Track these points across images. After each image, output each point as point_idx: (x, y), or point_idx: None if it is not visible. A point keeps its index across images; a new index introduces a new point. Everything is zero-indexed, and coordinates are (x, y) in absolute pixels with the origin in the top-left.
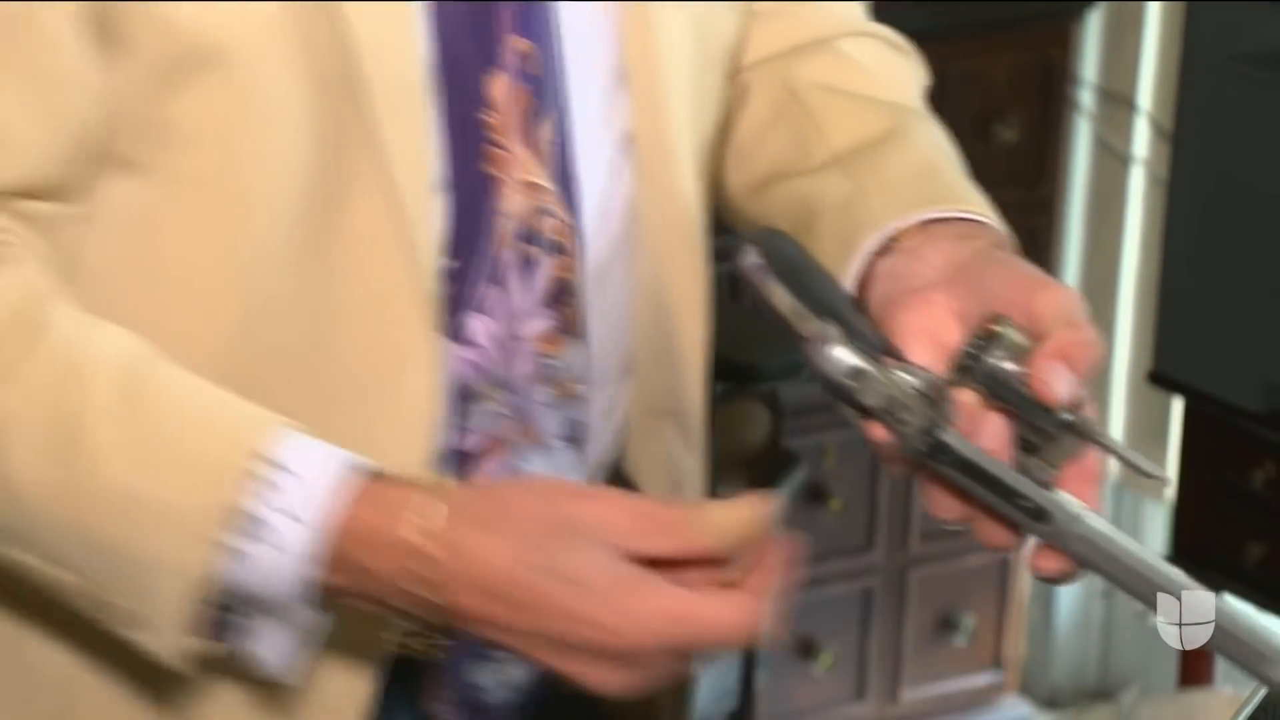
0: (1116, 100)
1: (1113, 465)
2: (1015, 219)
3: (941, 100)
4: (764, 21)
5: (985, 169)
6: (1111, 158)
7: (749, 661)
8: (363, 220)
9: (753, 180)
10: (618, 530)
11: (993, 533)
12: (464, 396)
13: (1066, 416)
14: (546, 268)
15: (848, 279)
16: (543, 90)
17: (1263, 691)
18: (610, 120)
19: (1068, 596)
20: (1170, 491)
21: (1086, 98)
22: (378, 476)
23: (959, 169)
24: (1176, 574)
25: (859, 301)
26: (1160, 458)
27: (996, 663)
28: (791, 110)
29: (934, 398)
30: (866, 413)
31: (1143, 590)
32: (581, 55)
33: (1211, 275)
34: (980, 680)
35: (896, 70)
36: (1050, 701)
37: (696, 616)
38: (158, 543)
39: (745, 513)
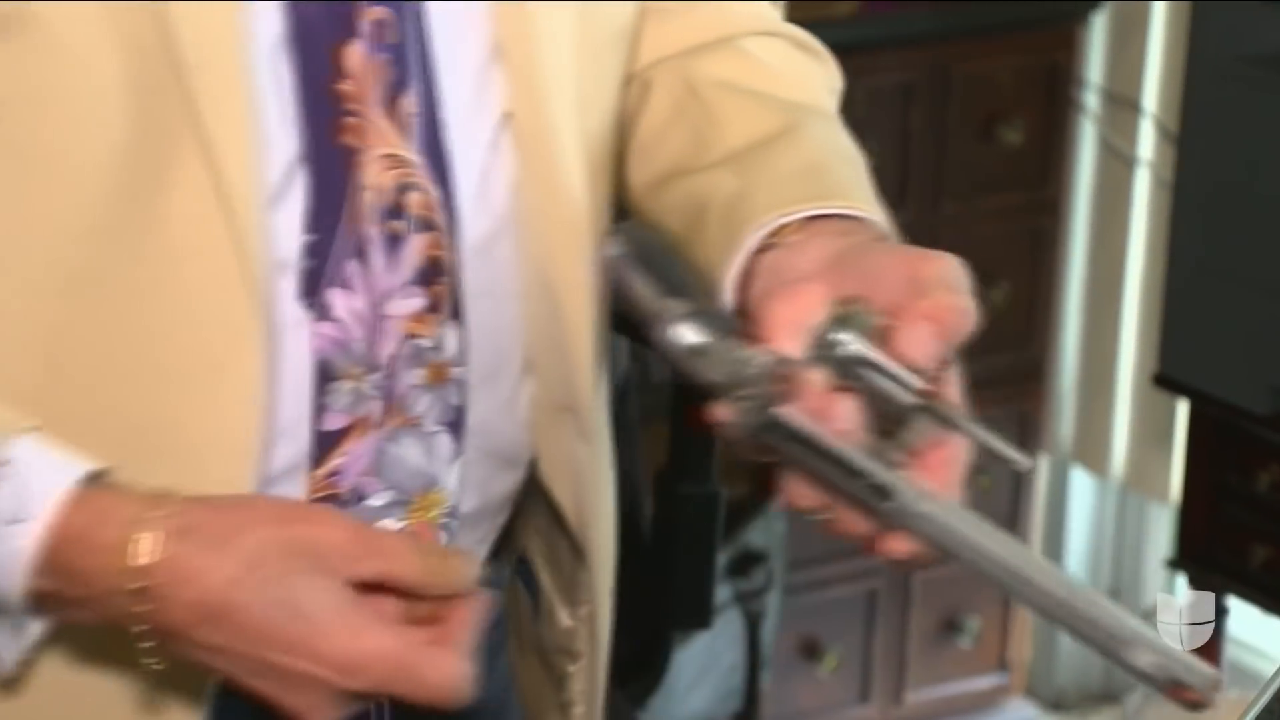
0: (1121, 102)
1: (1118, 464)
2: (1019, 221)
3: (946, 102)
4: (664, 19)
5: (990, 171)
6: (1116, 160)
7: (753, 663)
8: (185, 198)
9: (652, 178)
10: (340, 554)
11: (852, 522)
12: (324, 375)
13: (917, 394)
14: (416, 244)
15: (730, 275)
16: (403, 60)
17: (1269, 694)
18: (485, 96)
19: None
20: (1175, 494)
21: (1091, 100)
22: (106, 486)
23: (853, 166)
24: (1028, 554)
25: (742, 298)
26: (1165, 460)
27: (1002, 665)
28: (691, 108)
29: (780, 376)
30: (712, 392)
31: (994, 571)
32: (448, 27)
33: (1217, 277)
34: (985, 683)
35: (800, 69)
36: (1055, 704)
37: (413, 668)
38: None
39: (456, 560)
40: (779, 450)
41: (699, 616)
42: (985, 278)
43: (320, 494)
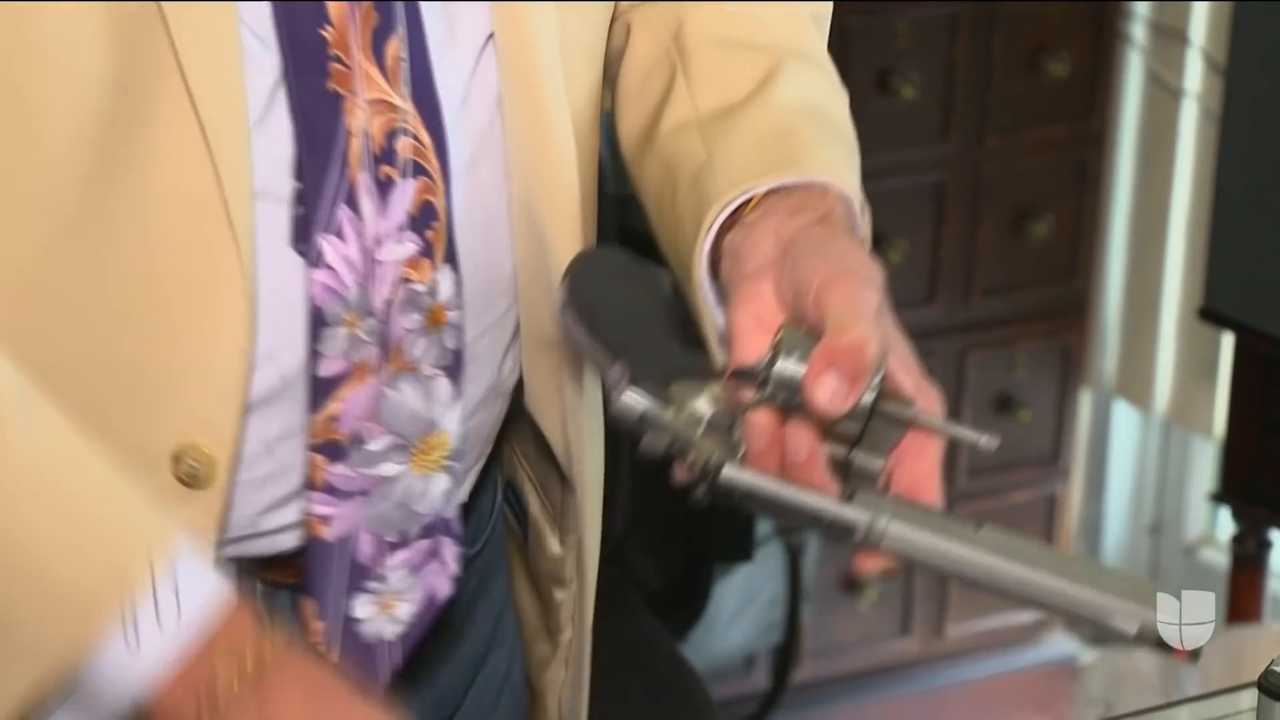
0: (1169, 34)
1: (1161, 398)
2: (1065, 154)
3: (991, 34)
4: None
5: (1035, 103)
6: (1163, 92)
7: (794, 596)
8: (168, 134)
9: (638, 133)
10: None
11: None
12: (318, 321)
13: (865, 401)
14: (407, 190)
15: (702, 258)
16: (387, 5)
17: None
18: (467, 27)
19: (1114, 533)
20: (1218, 428)
21: (1138, 31)
22: (238, 606)
23: (822, 120)
24: (1004, 546)
25: (716, 275)
26: (1210, 394)
27: None
28: (671, 56)
29: (724, 425)
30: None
31: (968, 573)
32: None
33: (1263, 210)
34: (1027, 616)
35: (785, 5)
36: (1096, 638)
37: None
38: (44, 614)
39: None
40: (745, 504)
41: (740, 549)
42: (1030, 211)
43: (321, 439)
